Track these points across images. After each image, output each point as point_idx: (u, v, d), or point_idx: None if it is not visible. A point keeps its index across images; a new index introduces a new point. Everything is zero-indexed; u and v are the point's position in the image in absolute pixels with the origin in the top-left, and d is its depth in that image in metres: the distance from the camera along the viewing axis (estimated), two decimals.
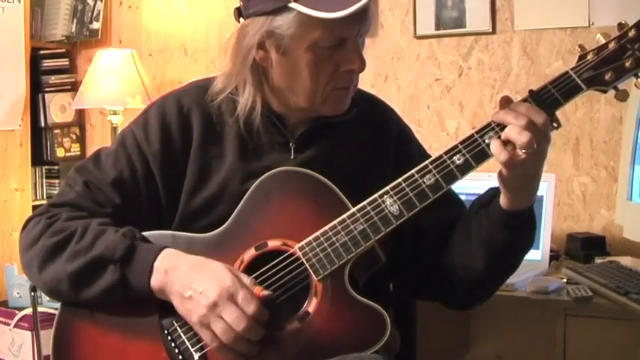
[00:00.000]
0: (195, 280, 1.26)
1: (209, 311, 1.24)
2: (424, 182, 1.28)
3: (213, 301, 1.23)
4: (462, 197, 2.04)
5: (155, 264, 1.29)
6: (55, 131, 3.29)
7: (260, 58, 1.34)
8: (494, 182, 1.30)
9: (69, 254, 1.32)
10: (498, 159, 1.24)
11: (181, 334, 1.30)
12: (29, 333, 2.70)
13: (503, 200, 1.30)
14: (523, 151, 1.21)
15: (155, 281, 1.28)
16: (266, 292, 1.27)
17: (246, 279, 1.27)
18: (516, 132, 1.22)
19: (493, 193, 1.33)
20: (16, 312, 2.77)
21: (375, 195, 1.29)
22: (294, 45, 1.30)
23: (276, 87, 1.37)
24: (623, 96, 1.29)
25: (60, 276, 1.32)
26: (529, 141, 1.20)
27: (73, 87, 3.27)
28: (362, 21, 1.30)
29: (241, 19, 1.35)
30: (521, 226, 1.32)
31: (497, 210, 1.31)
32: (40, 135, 3.27)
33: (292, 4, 1.27)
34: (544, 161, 1.28)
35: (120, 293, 1.30)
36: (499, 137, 1.25)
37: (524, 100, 1.28)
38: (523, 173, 1.26)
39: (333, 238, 1.29)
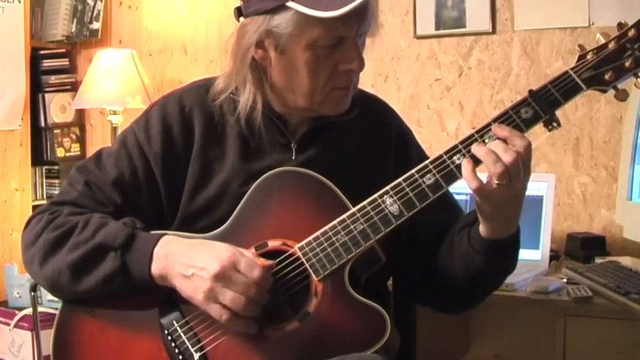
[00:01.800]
0: (194, 258, 1.27)
1: (214, 283, 1.24)
2: (424, 182, 1.28)
3: (216, 273, 1.24)
4: (462, 197, 2.05)
5: (155, 250, 1.30)
6: (55, 131, 3.29)
7: (259, 57, 1.34)
8: None
9: (70, 245, 1.33)
10: (469, 186, 1.22)
11: (181, 334, 1.30)
12: (29, 333, 2.70)
13: (482, 228, 1.29)
14: (496, 182, 1.20)
15: (155, 267, 1.29)
16: (268, 262, 1.27)
17: (246, 251, 1.28)
18: (492, 161, 1.20)
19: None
20: (16, 312, 2.77)
21: (375, 195, 1.29)
22: (292, 44, 1.30)
23: (276, 86, 1.37)
24: (622, 96, 1.29)
25: (61, 268, 1.33)
26: (502, 172, 1.19)
27: (73, 87, 3.27)
28: (361, 20, 1.30)
29: (241, 19, 1.35)
30: (501, 253, 1.31)
31: (478, 235, 1.30)
32: (40, 135, 3.27)
33: (290, 3, 1.27)
34: (522, 195, 1.26)
35: (120, 281, 1.30)
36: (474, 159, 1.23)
37: (524, 100, 1.27)
38: (498, 203, 1.24)
39: (333, 238, 1.29)
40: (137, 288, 1.31)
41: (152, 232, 1.35)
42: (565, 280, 1.93)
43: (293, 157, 1.40)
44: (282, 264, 1.30)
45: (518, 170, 1.20)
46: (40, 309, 2.40)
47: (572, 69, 1.28)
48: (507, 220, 1.28)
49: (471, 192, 1.24)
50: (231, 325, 1.26)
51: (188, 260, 1.27)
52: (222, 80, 1.40)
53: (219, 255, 1.26)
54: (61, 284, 1.34)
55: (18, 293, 2.84)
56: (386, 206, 1.28)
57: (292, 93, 1.36)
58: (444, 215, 1.42)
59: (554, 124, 1.27)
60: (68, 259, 1.32)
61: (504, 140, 1.22)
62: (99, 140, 3.31)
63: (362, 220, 1.28)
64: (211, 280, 1.24)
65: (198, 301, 1.27)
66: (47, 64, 3.26)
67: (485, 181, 1.21)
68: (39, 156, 3.27)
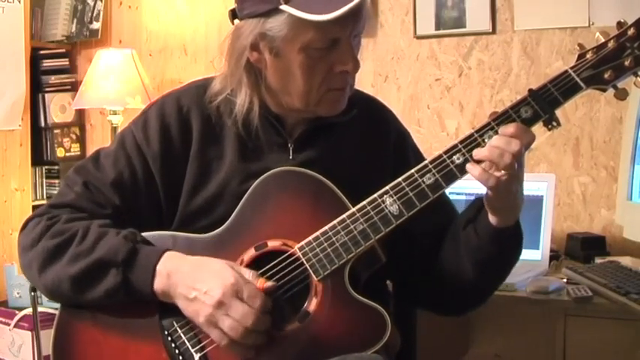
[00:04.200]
0: (198, 280, 1.26)
1: (215, 310, 1.24)
2: (424, 182, 1.28)
3: (218, 300, 1.24)
4: (462, 197, 2.05)
5: (158, 267, 1.29)
6: (55, 131, 3.29)
7: (254, 60, 1.34)
8: None
9: (70, 256, 1.32)
10: (487, 184, 1.24)
11: (181, 335, 1.30)
12: (29, 333, 2.70)
13: (492, 218, 1.30)
14: (506, 172, 1.22)
15: (158, 285, 1.29)
16: (269, 284, 1.27)
17: (248, 273, 1.28)
18: (498, 155, 1.22)
19: (478, 206, 1.33)
20: (16, 312, 2.77)
21: (375, 195, 1.29)
22: (286, 47, 1.30)
23: (271, 88, 1.37)
24: (622, 95, 1.29)
25: (61, 278, 1.32)
26: (511, 163, 1.21)
27: (73, 87, 3.27)
28: (355, 22, 1.29)
29: (236, 21, 1.35)
30: (508, 241, 1.33)
31: (486, 226, 1.31)
32: (40, 135, 3.27)
33: (283, 7, 1.27)
34: (523, 179, 1.28)
35: (122, 296, 1.30)
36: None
37: (524, 100, 1.27)
38: (509, 192, 1.26)
39: (333, 238, 1.29)
40: (139, 301, 1.31)
41: (152, 234, 1.35)
42: (565, 280, 1.93)
43: (290, 157, 1.40)
44: (282, 264, 1.30)
45: (522, 156, 1.23)
46: (40, 309, 2.40)
47: (571, 68, 1.28)
48: (516, 206, 1.30)
49: (472, 193, 1.24)
50: (229, 349, 1.26)
51: (191, 282, 1.27)
52: (218, 82, 1.40)
53: (223, 281, 1.25)
54: (61, 293, 1.34)
55: (18, 293, 2.84)
56: (386, 206, 1.28)
57: (288, 95, 1.36)
58: (442, 217, 1.42)
59: (554, 124, 1.28)
60: (69, 272, 1.32)
61: (513, 137, 1.23)
62: (99, 140, 3.31)
63: (362, 220, 1.28)
64: (213, 307, 1.24)
65: (198, 323, 1.27)
66: (47, 64, 3.26)
67: (497, 176, 1.22)
68: (39, 156, 3.27)
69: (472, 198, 1.40)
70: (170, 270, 1.29)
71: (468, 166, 1.25)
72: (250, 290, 1.24)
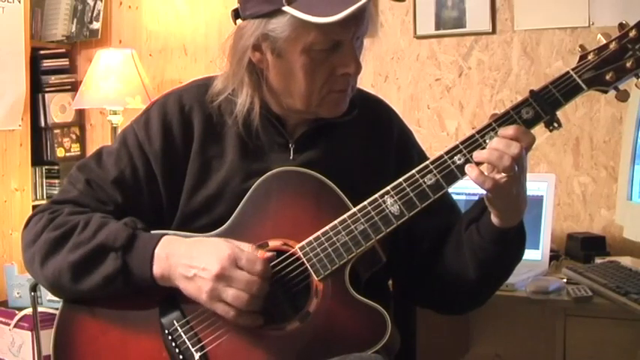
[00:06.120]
0: (194, 258, 1.27)
1: (216, 283, 1.25)
2: (425, 182, 1.28)
3: (217, 273, 1.24)
4: (462, 197, 2.05)
5: (156, 251, 1.30)
6: (55, 131, 3.28)
7: (256, 60, 1.35)
8: None
9: (71, 246, 1.34)
10: (484, 187, 1.24)
11: (182, 334, 1.31)
12: (29, 333, 2.70)
13: (494, 219, 1.31)
14: (506, 174, 1.22)
15: (157, 269, 1.29)
16: (268, 254, 1.28)
17: (246, 245, 1.28)
18: (497, 157, 1.22)
19: (482, 206, 1.33)
20: (16, 312, 2.77)
21: (376, 195, 1.29)
22: (288, 48, 1.30)
23: (273, 89, 1.37)
24: (623, 96, 1.29)
25: (62, 267, 1.33)
26: (510, 165, 1.21)
27: (73, 87, 3.27)
28: (357, 24, 1.29)
29: (238, 21, 1.36)
30: (511, 241, 1.33)
31: (488, 227, 1.32)
32: (40, 135, 3.26)
33: (286, 8, 1.27)
34: (525, 181, 1.28)
35: (121, 281, 1.31)
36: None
37: (525, 101, 1.28)
38: (510, 194, 1.26)
39: (334, 238, 1.29)
40: (138, 288, 1.32)
41: (153, 232, 1.36)
42: (565, 280, 1.93)
43: (291, 157, 1.41)
44: (283, 264, 1.31)
45: (522, 159, 1.23)
46: (40, 309, 2.40)
47: (573, 69, 1.28)
48: (519, 207, 1.30)
49: (473, 193, 1.24)
50: (237, 321, 1.26)
51: (189, 261, 1.28)
52: (220, 81, 1.40)
53: (220, 253, 1.26)
54: (62, 284, 1.35)
55: (18, 293, 2.84)
56: (387, 206, 1.29)
57: (289, 96, 1.36)
58: (445, 217, 1.43)
59: (555, 125, 1.28)
60: (69, 259, 1.33)
61: (513, 140, 1.23)
62: (99, 140, 3.31)
63: (363, 220, 1.29)
64: (213, 281, 1.25)
65: (202, 301, 1.27)
66: (47, 64, 3.25)
67: (496, 178, 1.22)
68: (39, 156, 3.27)
69: (472, 198, 1.40)
70: (168, 253, 1.30)
71: (466, 168, 1.25)
72: (248, 257, 1.25)
